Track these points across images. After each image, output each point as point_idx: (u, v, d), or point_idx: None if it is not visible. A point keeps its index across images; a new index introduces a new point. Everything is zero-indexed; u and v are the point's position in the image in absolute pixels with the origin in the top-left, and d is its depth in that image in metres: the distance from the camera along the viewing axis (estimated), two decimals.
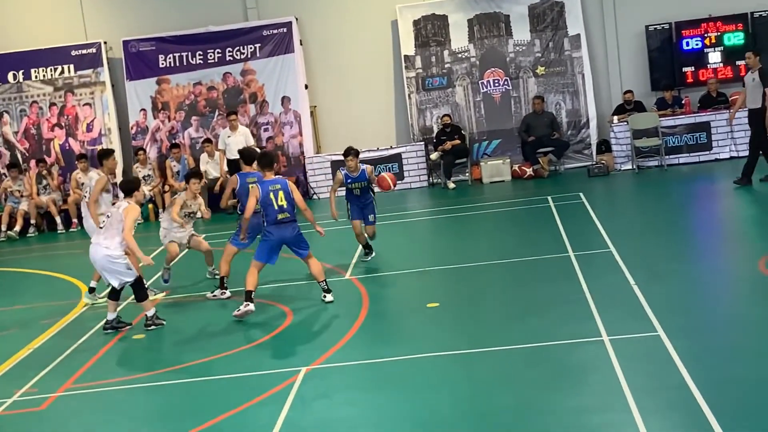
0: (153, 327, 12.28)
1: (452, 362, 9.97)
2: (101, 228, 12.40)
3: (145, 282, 12.59)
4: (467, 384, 9.26)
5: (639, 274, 12.19)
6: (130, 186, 12.57)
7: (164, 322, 12.39)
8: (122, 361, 11.20)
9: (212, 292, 13.69)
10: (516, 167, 22.05)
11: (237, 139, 20.79)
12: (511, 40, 22.69)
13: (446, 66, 22.89)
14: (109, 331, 12.38)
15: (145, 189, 22.04)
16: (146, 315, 12.36)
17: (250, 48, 23.03)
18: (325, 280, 12.73)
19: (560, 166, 22.23)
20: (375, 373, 9.89)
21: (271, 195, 12.22)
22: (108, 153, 14.54)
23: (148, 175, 22.28)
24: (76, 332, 12.67)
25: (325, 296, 12.62)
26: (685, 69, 22.08)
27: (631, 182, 20.42)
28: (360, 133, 22.88)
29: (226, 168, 21.20)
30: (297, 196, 12.39)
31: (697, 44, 22.02)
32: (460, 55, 22.84)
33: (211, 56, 23.16)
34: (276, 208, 12.21)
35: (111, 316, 12.41)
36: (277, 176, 12.66)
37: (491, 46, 22.74)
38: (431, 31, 22.85)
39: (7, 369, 11.31)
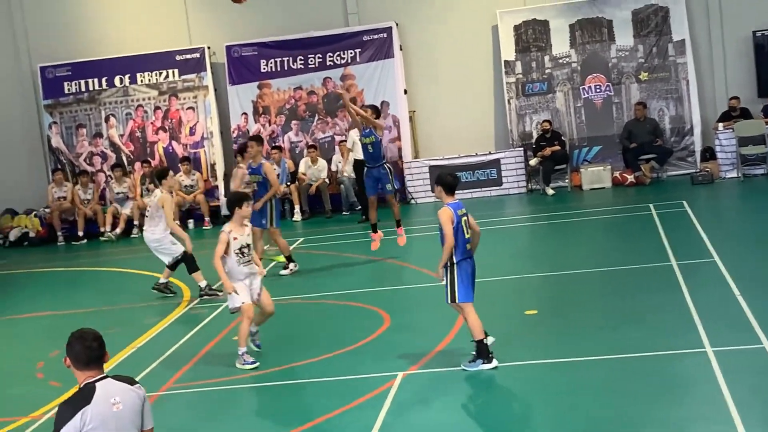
0: (206, 297, 14.52)
1: (550, 371, 9.87)
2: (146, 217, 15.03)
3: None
4: (565, 393, 9.15)
5: (744, 285, 11.90)
6: (160, 174, 14.85)
7: (219, 294, 13.90)
8: (222, 361, 11.33)
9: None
10: (617, 174, 21.75)
11: None
12: (613, 45, 22.40)
13: (547, 71, 22.70)
14: (155, 290, 15.03)
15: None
16: (200, 285, 14.67)
17: (350, 53, 23.17)
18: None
19: (663, 174, 21.86)
20: (472, 379, 9.84)
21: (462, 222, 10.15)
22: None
23: None
24: (177, 332, 12.92)
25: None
26: None
27: (736, 190, 19.97)
28: (458, 139, 22.89)
29: (351, 168, 21.49)
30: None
31: None
32: (561, 61, 22.64)
33: (311, 61, 23.36)
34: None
35: (163, 280, 15.06)
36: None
37: (593, 51, 22.49)
38: (532, 36, 22.69)
39: (110, 368, 11.54)
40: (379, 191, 16.09)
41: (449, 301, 10.12)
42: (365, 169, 16.12)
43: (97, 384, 5.59)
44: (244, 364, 10.90)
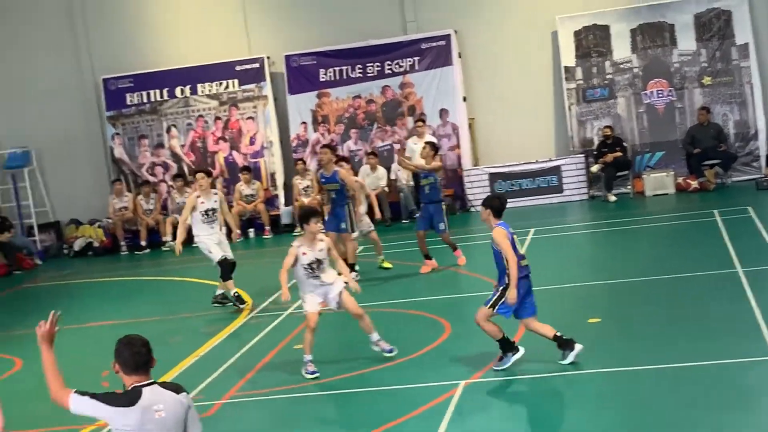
0: (217, 305, 14.83)
1: (614, 379, 9.76)
2: None
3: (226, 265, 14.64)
4: (631, 402, 9.04)
5: None
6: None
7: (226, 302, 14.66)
8: (285, 370, 11.35)
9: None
10: (680, 180, 21.47)
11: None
12: (675, 49, 22.12)
13: (608, 77, 22.49)
14: (216, 304, 14.88)
15: (305, 200, 22.42)
16: (220, 292, 14.81)
17: (409, 61, 23.16)
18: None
19: (727, 179, 21.53)
20: (533, 388, 9.77)
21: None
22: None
23: (308, 186, 22.62)
24: (239, 341, 12.98)
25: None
26: None
27: None
28: (518, 146, 22.75)
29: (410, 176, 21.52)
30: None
31: None
32: (622, 66, 22.42)
33: (370, 70, 23.39)
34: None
35: (219, 291, 14.88)
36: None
37: (655, 56, 22.23)
38: (592, 41, 22.49)
39: (173, 376, 11.63)
40: (429, 228, 15.93)
41: (486, 305, 10.13)
42: (421, 204, 16.12)
43: (144, 389, 5.66)
44: (306, 373, 10.92)
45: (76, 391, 5.72)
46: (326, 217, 15.22)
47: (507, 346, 10.15)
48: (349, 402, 10.16)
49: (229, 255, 14.91)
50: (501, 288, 10.08)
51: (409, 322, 13.05)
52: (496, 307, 10.10)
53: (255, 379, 11.16)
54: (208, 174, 15.57)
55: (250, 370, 11.49)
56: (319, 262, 10.96)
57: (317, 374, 10.87)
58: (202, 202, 14.81)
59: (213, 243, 14.79)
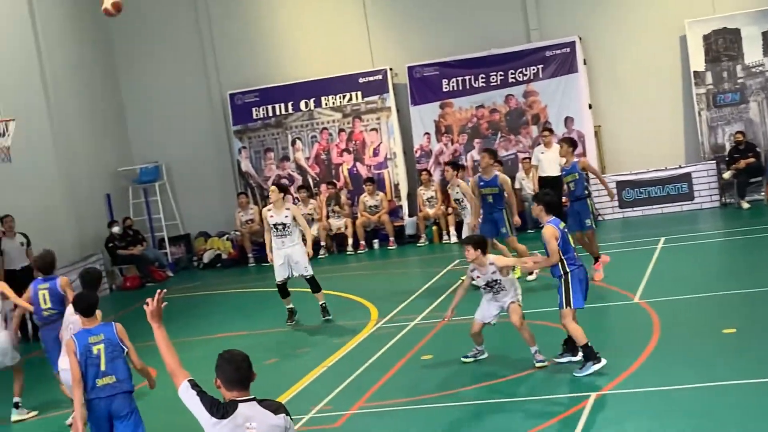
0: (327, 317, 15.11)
1: (751, 391, 9.44)
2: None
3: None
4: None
5: None
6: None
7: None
8: (412, 380, 11.33)
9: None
10: None
11: (550, 155, 20.45)
12: None
13: (739, 81, 21.87)
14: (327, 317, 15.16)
15: (429, 211, 22.41)
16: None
17: (533, 69, 22.92)
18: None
19: None
20: (668, 400, 9.51)
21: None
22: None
23: (432, 197, 22.61)
24: (367, 351, 12.98)
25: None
26: None
27: None
28: (646, 152, 22.30)
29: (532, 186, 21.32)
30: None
31: None
32: (754, 70, 21.77)
33: (493, 79, 23.23)
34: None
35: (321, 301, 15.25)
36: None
37: None
38: (722, 45, 21.90)
39: (302, 386, 11.71)
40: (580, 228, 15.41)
41: (563, 307, 10.61)
42: (569, 203, 15.80)
43: (240, 404, 5.65)
44: (464, 357, 11.63)
45: (190, 380, 5.84)
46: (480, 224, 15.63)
47: (589, 354, 10.44)
48: (478, 413, 10.06)
49: (299, 272, 15.17)
50: (562, 283, 10.61)
51: (538, 332, 12.87)
52: (570, 303, 10.56)
53: (383, 390, 11.15)
54: (281, 189, 15.77)
55: (378, 381, 11.49)
56: (495, 282, 11.19)
57: (469, 360, 11.59)
58: (272, 216, 15.09)
59: (278, 262, 15.15)
